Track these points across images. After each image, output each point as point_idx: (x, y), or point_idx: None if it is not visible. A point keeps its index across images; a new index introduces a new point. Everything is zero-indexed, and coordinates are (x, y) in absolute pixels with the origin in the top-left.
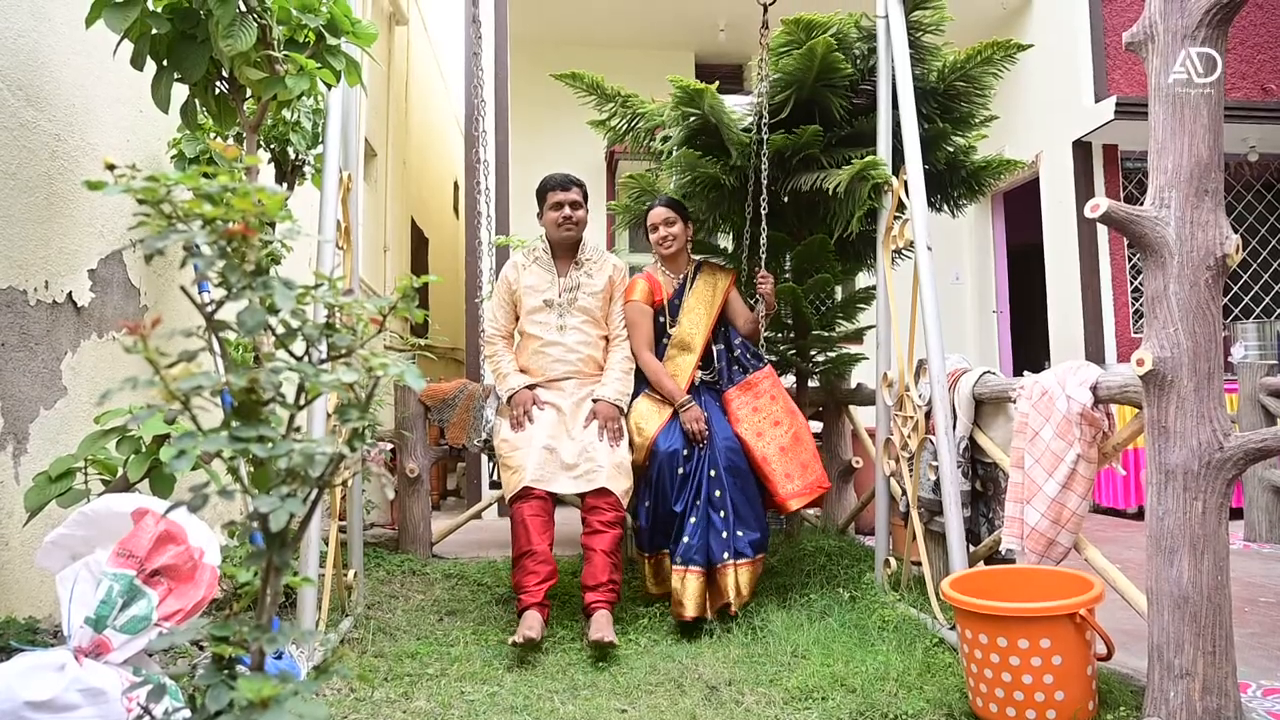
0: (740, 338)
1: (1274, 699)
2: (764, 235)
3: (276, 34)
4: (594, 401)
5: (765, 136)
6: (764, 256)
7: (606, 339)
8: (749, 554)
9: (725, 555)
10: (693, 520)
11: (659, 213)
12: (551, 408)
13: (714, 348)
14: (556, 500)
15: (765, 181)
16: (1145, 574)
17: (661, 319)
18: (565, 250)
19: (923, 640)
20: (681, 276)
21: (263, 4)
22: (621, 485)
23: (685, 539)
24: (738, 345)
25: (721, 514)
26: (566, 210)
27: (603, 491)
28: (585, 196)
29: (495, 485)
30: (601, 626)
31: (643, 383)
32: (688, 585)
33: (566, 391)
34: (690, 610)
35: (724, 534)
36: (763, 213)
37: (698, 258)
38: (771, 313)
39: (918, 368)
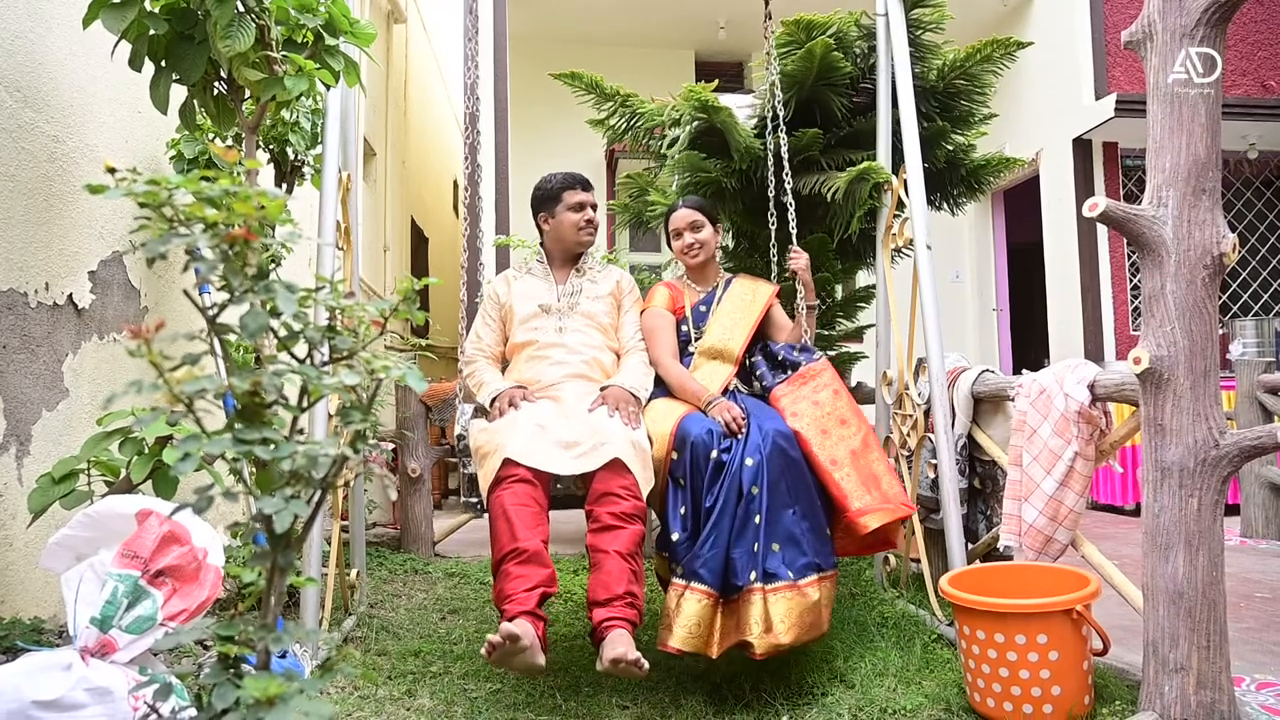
0: (784, 344)
1: (1267, 693)
2: (793, 229)
3: (275, 34)
4: (602, 390)
5: (782, 129)
6: (794, 232)
7: (617, 354)
8: (785, 575)
9: (751, 576)
10: (709, 525)
11: (683, 215)
12: (547, 399)
13: (752, 359)
14: (550, 494)
15: (786, 169)
16: (1141, 570)
17: (685, 328)
18: (566, 261)
19: (921, 636)
20: (711, 287)
21: (261, 4)
22: (640, 467)
23: (695, 547)
24: (780, 350)
25: (756, 519)
26: (589, 212)
27: (616, 470)
28: None
29: (470, 506)
30: (619, 642)
31: (662, 390)
32: (682, 607)
33: (567, 389)
34: (675, 639)
35: (754, 545)
36: (787, 202)
37: (729, 274)
38: (814, 302)
39: (917, 366)
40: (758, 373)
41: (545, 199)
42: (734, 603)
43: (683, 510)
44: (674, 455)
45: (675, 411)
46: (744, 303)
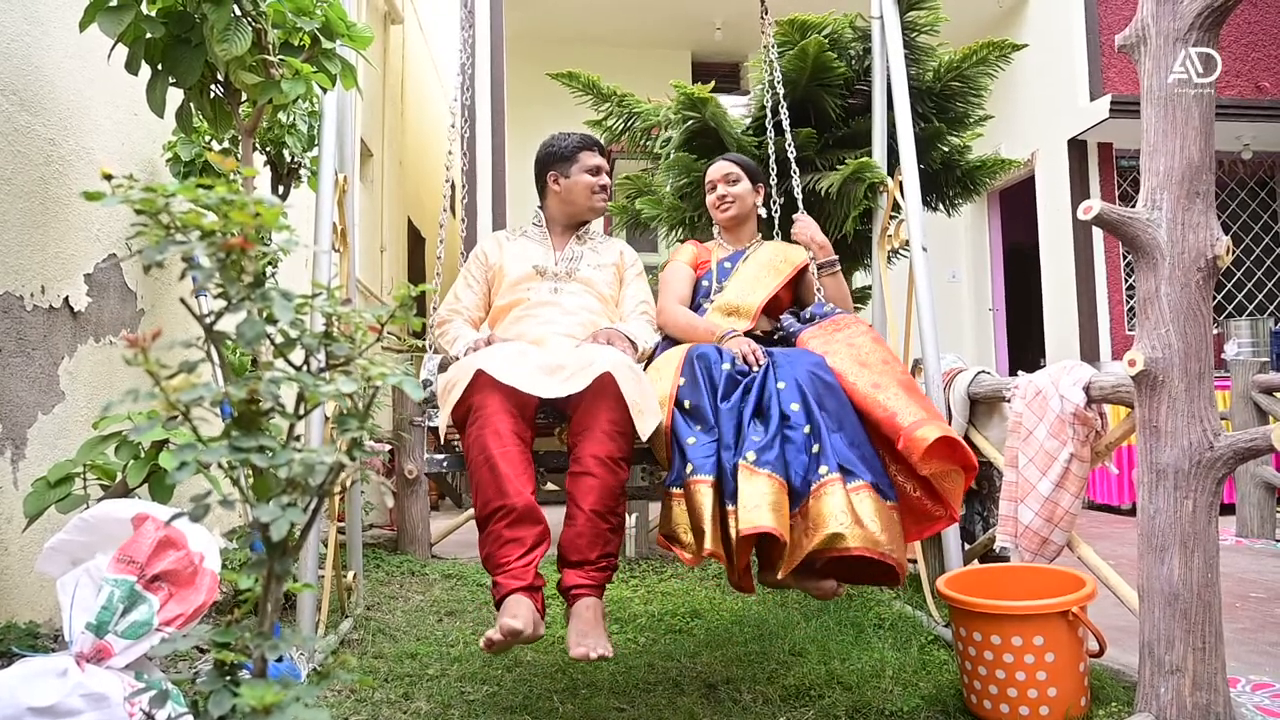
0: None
1: (1263, 694)
2: (799, 197)
3: (272, 38)
4: (593, 334)
5: (784, 118)
6: (799, 201)
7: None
8: (864, 477)
9: (822, 471)
10: (756, 428)
11: (719, 167)
12: (532, 345)
13: (778, 318)
14: (534, 428)
15: (790, 144)
16: (1137, 571)
17: (705, 282)
18: (568, 228)
19: (918, 638)
20: (741, 248)
21: (258, 8)
22: (635, 389)
23: (755, 438)
24: (809, 309)
25: (806, 429)
26: (604, 178)
27: (605, 397)
28: None
29: (434, 464)
30: (587, 629)
31: (667, 346)
32: (756, 484)
33: (554, 342)
34: (766, 519)
35: (813, 448)
36: (796, 195)
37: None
38: (831, 257)
39: (913, 367)
40: (784, 323)
41: (559, 157)
42: (796, 514)
43: (698, 428)
44: (681, 381)
45: (677, 353)
46: (771, 262)
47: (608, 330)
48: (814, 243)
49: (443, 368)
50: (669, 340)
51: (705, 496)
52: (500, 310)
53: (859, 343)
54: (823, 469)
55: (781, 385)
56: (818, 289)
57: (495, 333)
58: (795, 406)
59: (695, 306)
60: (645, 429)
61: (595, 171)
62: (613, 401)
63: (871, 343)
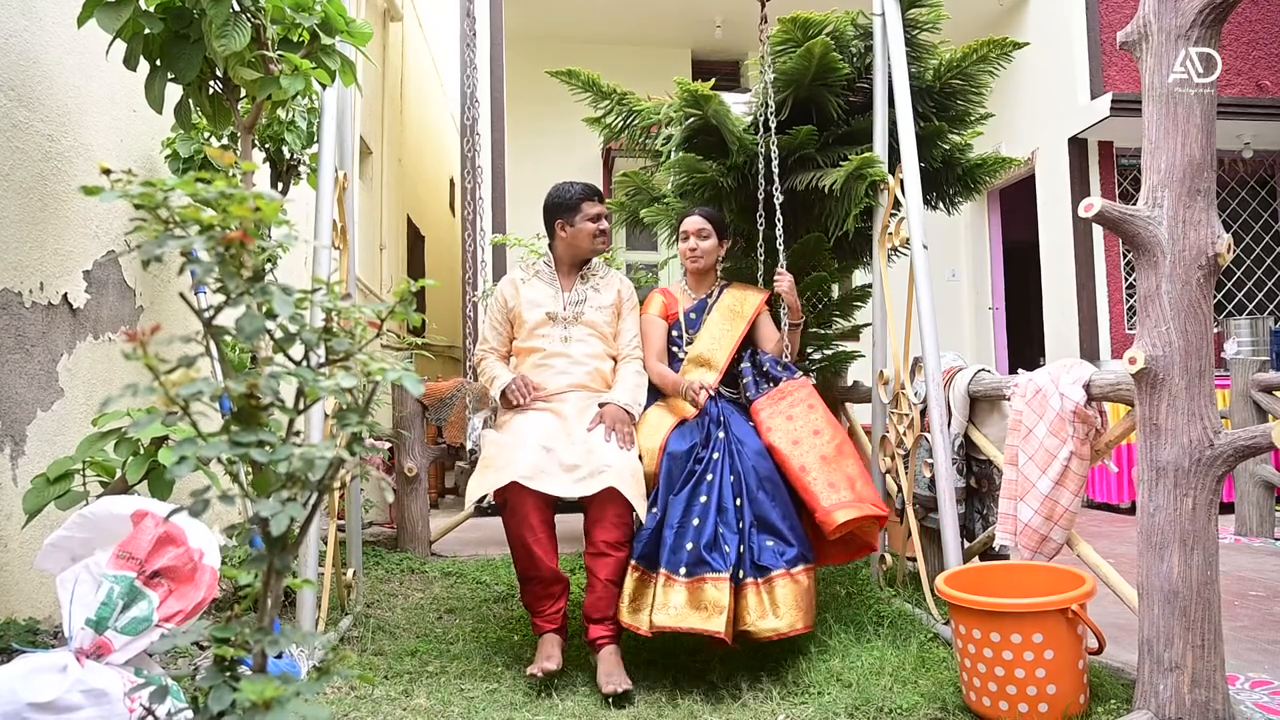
0: (770, 357)
1: (1261, 691)
2: (779, 232)
3: (271, 33)
4: (600, 406)
5: (773, 135)
6: (781, 251)
7: (615, 360)
8: (777, 565)
9: (741, 575)
10: (695, 522)
11: (692, 222)
12: (550, 413)
13: (739, 366)
14: (554, 507)
15: (776, 177)
16: (1137, 569)
17: (676, 333)
18: (572, 267)
19: (918, 635)
20: (705, 295)
21: (256, 3)
22: (635, 491)
23: (689, 545)
24: (766, 361)
25: (739, 525)
26: (604, 223)
27: (611, 498)
28: None
29: (480, 510)
30: (611, 669)
31: (655, 397)
32: (706, 594)
33: (570, 402)
34: (716, 622)
35: (741, 548)
36: (776, 204)
37: (724, 281)
38: (799, 320)
39: (913, 365)
40: (744, 381)
41: (565, 207)
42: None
43: (655, 510)
44: (659, 469)
45: (665, 425)
46: (731, 315)
47: (612, 411)
48: (794, 307)
49: (491, 417)
50: (655, 392)
51: (628, 575)
52: (521, 352)
53: (796, 413)
54: (741, 574)
55: (733, 479)
56: (785, 346)
57: (518, 370)
58: (738, 502)
59: (671, 358)
60: (638, 505)
61: (596, 219)
62: (617, 503)
63: (806, 412)
